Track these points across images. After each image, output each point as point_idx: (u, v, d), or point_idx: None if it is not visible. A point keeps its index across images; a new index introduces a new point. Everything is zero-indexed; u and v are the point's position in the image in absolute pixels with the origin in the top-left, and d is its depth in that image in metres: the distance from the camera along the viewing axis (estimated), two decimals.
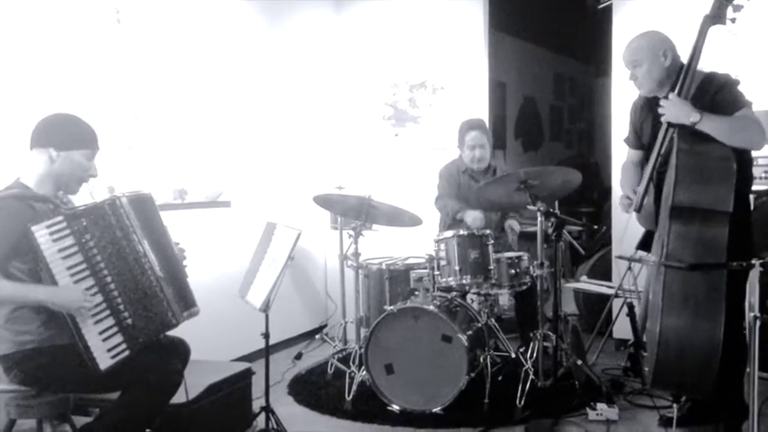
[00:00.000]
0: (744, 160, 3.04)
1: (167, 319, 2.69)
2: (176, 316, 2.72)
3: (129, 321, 2.57)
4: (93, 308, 2.49)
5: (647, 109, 3.28)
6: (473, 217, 4.33)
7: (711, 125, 2.92)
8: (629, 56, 3.19)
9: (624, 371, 3.99)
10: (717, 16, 3.02)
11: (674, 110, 2.99)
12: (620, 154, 4.61)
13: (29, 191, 2.59)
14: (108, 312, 2.53)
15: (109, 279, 2.55)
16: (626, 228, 4.01)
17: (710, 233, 2.81)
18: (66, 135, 2.64)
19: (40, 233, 2.42)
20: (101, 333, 2.49)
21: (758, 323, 2.41)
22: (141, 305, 2.61)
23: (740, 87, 3.06)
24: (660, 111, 3.05)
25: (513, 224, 4.48)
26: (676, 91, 3.04)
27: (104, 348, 2.48)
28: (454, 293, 4.07)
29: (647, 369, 3.00)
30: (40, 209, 2.54)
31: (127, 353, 2.53)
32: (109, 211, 2.60)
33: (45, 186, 2.63)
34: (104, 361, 2.47)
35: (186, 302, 2.82)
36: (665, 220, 2.90)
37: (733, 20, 3.05)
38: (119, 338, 2.53)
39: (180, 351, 2.85)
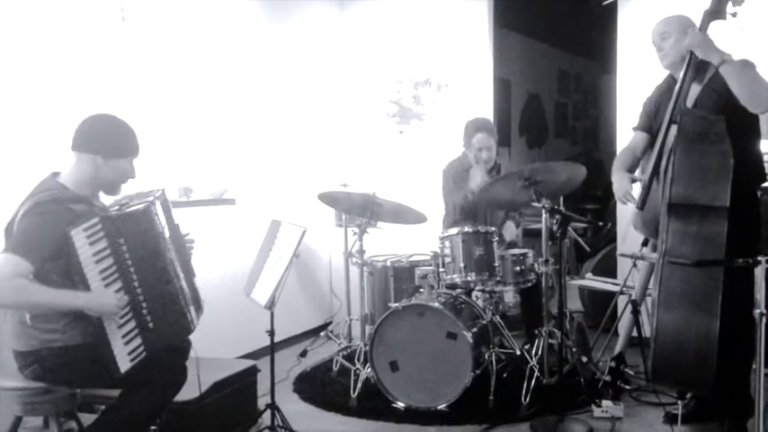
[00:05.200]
0: (751, 151, 3.04)
1: (187, 325, 2.72)
2: (194, 322, 2.75)
3: (151, 326, 2.58)
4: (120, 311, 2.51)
5: (669, 93, 3.25)
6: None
7: (736, 69, 2.91)
8: (660, 28, 3.21)
9: (604, 384, 3.79)
10: (716, 11, 3.02)
11: (705, 43, 2.98)
12: None
13: (67, 191, 2.58)
14: (131, 316, 2.53)
15: (136, 284, 2.55)
16: (630, 225, 4.00)
17: (708, 229, 2.81)
18: (116, 144, 2.65)
19: (78, 236, 2.41)
20: (123, 336, 2.50)
21: (764, 320, 2.40)
22: (164, 311, 2.62)
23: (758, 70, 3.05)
24: (688, 41, 3.03)
25: (508, 227, 4.47)
26: (681, 74, 3.05)
27: (125, 351, 2.49)
28: (459, 290, 4.07)
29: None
30: (78, 210, 2.52)
31: (143, 355, 2.55)
32: (144, 216, 2.61)
33: (85, 188, 2.63)
34: (124, 364, 2.48)
35: (198, 304, 2.83)
36: (664, 217, 2.90)
37: (734, 14, 3.04)
38: (138, 341, 2.54)
39: (179, 344, 2.84)
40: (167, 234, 2.68)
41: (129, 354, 2.50)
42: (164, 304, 2.62)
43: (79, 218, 2.46)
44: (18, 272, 2.35)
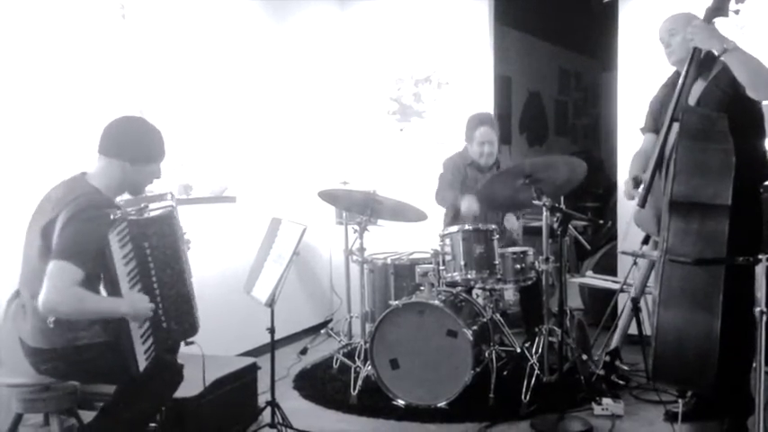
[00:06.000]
0: (754, 149, 3.04)
1: (194, 324, 2.75)
2: (199, 321, 2.77)
3: (165, 326, 2.63)
4: None
5: (674, 90, 3.24)
6: (467, 204, 4.23)
7: (742, 56, 2.90)
8: (667, 25, 3.22)
9: (598, 379, 3.82)
10: (719, 8, 3.01)
11: (706, 34, 2.97)
12: (626, 149, 4.60)
13: (102, 196, 2.60)
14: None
15: (156, 285, 2.60)
16: (631, 222, 3.99)
17: (710, 227, 2.80)
18: (146, 150, 2.68)
19: (113, 240, 2.47)
20: (141, 336, 2.55)
21: (764, 318, 2.40)
22: (177, 311, 2.67)
23: None
24: (689, 36, 3.03)
25: (509, 218, 4.45)
26: (684, 71, 3.04)
27: (142, 350, 2.54)
28: (459, 288, 4.07)
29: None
30: (112, 214, 2.55)
31: (155, 354, 2.59)
32: (167, 220, 2.66)
33: (113, 191, 2.67)
34: (142, 362, 2.53)
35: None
36: (666, 215, 2.90)
37: (737, 11, 3.04)
38: (151, 341, 2.59)
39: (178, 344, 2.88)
40: (182, 237, 2.74)
41: (145, 353, 2.55)
42: (177, 305, 2.67)
43: (114, 222, 2.51)
44: (74, 280, 2.38)
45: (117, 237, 2.49)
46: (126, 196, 2.80)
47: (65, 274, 2.37)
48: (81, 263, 2.40)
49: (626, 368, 3.99)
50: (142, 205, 2.67)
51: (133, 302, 2.52)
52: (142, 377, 2.55)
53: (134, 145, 2.66)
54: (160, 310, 2.61)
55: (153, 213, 2.64)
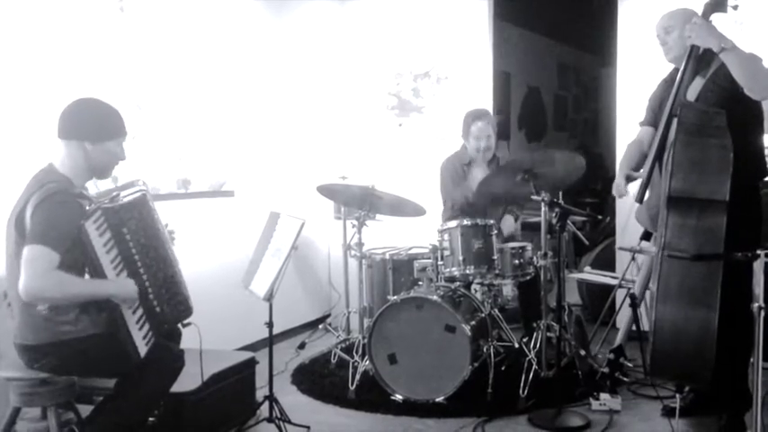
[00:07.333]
0: (753, 145, 3.04)
1: (188, 306, 2.76)
2: (191, 302, 2.79)
3: (158, 309, 2.63)
4: None
5: (673, 87, 3.25)
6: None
7: (739, 56, 2.89)
8: (663, 22, 3.22)
9: (602, 376, 3.86)
10: (718, 3, 3.01)
11: (704, 32, 2.96)
12: (625, 144, 4.59)
13: (72, 185, 2.59)
14: (139, 302, 2.58)
15: (142, 270, 2.60)
16: (629, 218, 4.00)
17: (708, 223, 2.81)
18: (100, 127, 2.66)
19: (91, 228, 2.46)
20: (137, 322, 2.55)
21: (762, 314, 2.41)
22: (168, 294, 2.68)
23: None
24: (687, 33, 3.03)
25: (507, 221, 4.48)
26: (682, 67, 3.05)
27: (141, 336, 2.55)
28: (458, 284, 4.06)
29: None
30: (84, 204, 2.56)
31: (153, 339, 2.60)
32: (141, 205, 2.65)
33: (81, 177, 2.67)
34: (142, 349, 2.54)
35: None
36: (663, 210, 2.90)
37: (735, 7, 3.04)
38: (148, 326, 2.60)
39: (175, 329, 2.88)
40: (161, 220, 2.74)
41: (144, 338, 2.55)
42: (167, 288, 2.68)
43: (88, 212, 2.50)
44: (52, 265, 2.37)
45: (94, 225, 2.47)
46: (101, 188, 2.80)
47: (41, 258, 2.36)
48: (56, 246, 2.38)
49: (630, 365, 3.99)
50: (114, 194, 2.67)
51: (119, 284, 2.51)
52: (142, 364, 2.55)
53: (90, 123, 2.64)
54: (150, 294, 2.61)
55: (126, 199, 2.63)
